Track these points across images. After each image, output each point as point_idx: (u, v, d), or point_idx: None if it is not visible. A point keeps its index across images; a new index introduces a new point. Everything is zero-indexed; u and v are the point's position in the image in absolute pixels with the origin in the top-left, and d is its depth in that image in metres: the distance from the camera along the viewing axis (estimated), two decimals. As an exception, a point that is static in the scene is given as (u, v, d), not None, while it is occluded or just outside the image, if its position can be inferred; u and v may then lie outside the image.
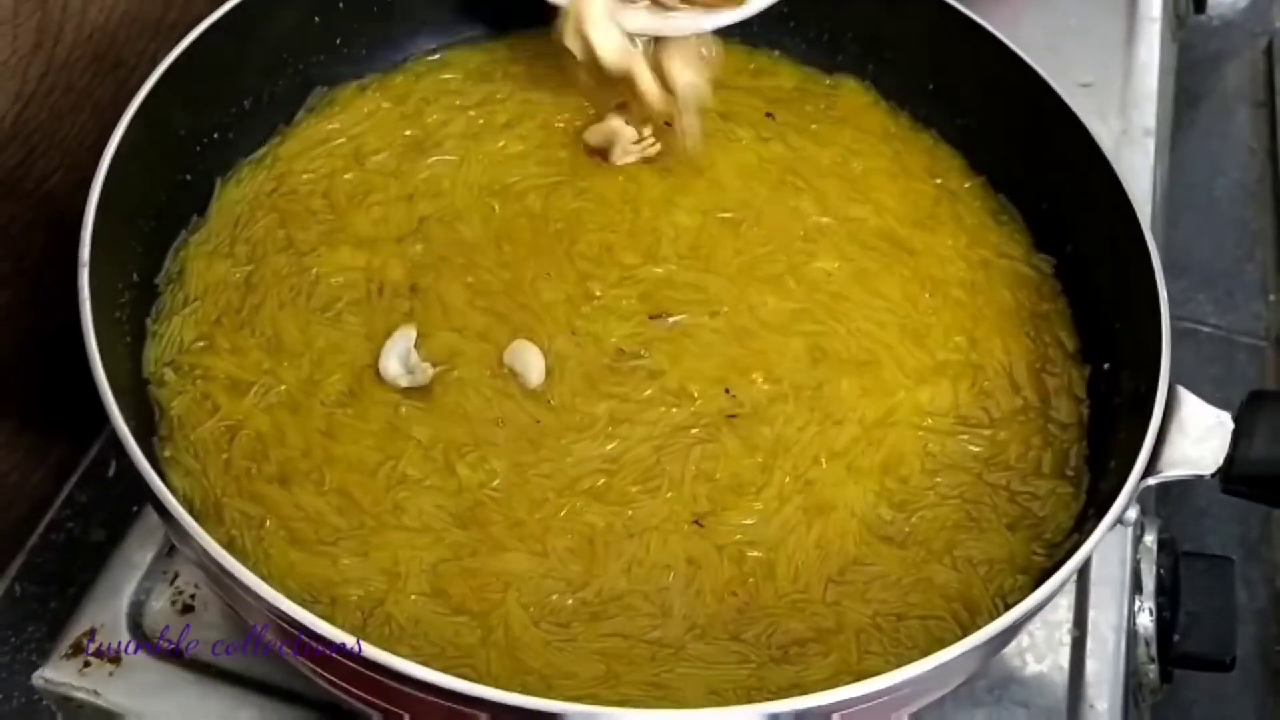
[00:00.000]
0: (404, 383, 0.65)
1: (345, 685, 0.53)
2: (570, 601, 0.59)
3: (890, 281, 0.74)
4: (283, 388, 0.65)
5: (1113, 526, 0.56)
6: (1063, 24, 1.04)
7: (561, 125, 0.80)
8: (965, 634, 0.54)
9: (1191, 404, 0.59)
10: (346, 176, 0.75)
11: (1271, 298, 1.16)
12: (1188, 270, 1.18)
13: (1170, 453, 0.58)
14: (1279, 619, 0.93)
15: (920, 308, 0.73)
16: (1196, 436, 0.58)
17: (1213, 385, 1.10)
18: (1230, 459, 0.57)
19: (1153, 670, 0.72)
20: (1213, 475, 0.57)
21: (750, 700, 0.53)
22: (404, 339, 0.66)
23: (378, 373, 0.66)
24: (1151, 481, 0.58)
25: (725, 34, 0.86)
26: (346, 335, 0.68)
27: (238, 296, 0.69)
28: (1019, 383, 0.70)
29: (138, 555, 0.72)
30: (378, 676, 0.50)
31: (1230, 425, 0.58)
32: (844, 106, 0.84)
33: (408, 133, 0.78)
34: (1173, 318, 1.13)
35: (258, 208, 0.73)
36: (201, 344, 0.67)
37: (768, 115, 0.83)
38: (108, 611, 0.70)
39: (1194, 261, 1.19)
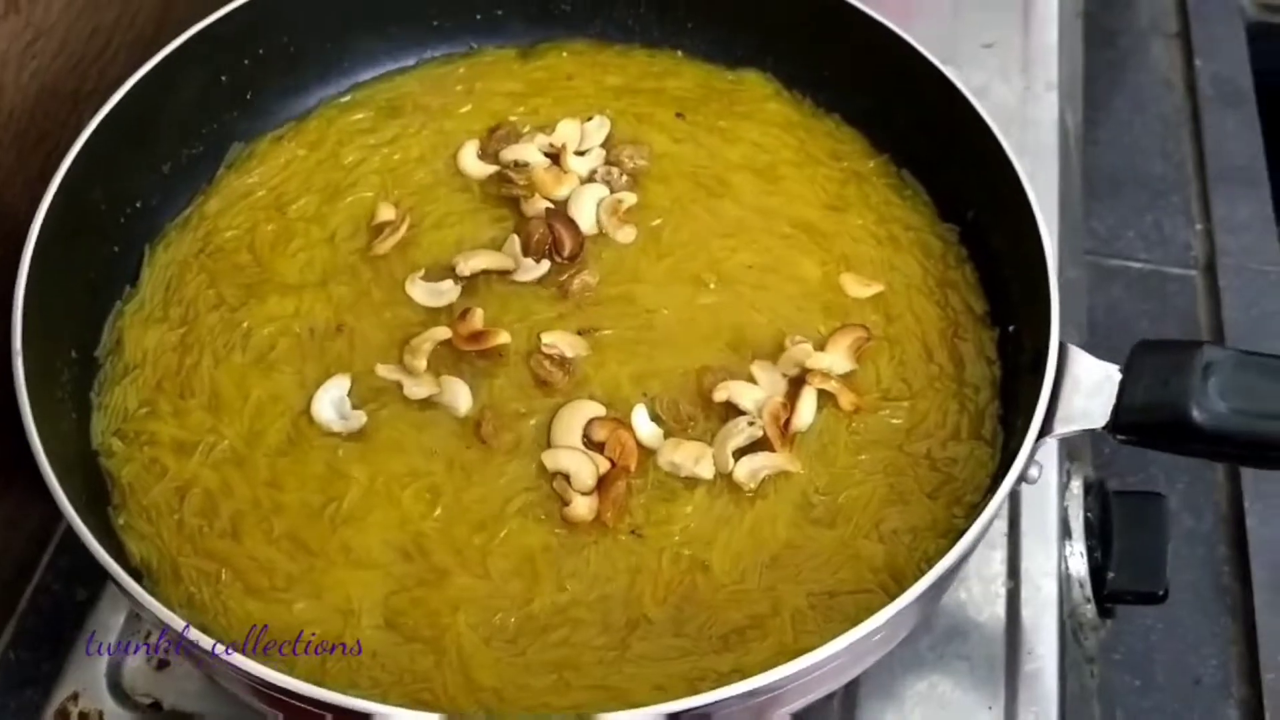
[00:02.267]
0: (338, 428, 0.68)
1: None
2: (514, 619, 0.62)
3: (808, 266, 0.77)
4: (225, 443, 0.68)
5: (1016, 485, 0.59)
6: (963, -10, 1.06)
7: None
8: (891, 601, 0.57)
9: (1082, 361, 0.62)
10: (269, 227, 0.78)
11: (1198, 227, 1.19)
12: (1114, 208, 1.21)
13: (1065, 409, 0.61)
14: (1224, 541, 0.96)
15: (838, 289, 0.76)
16: (1087, 391, 0.61)
17: (1147, 320, 1.13)
18: (1116, 409, 0.59)
19: (1089, 610, 0.75)
20: (1103, 428, 0.60)
21: (695, 691, 0.55)
22: (336, 387, 0.69)
23: (313, 418, 0.68)
24: (1050, 440, 0.61)
25: (625, 39, 0.89)
26: (280, 384, 0.70)
27: (175, 359, 0.72)
28: (932, 350, 0.73)
29: (111, 618, 0.75)
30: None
31: (1118, 378, 0.61)
32: (748, 100, 0.86)
33: (325, 177, 0.81)
34: (1102, 256, 1.17)
35: (187, 269, 0.76)
36: (145, 410, 0.69)
37: (678, 116, 0.85)
38: (88, 674, 0.73)
39: (1120, 199, 1.21)
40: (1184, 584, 0.94)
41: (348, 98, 0.86)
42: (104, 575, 0.77)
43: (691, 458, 0.67)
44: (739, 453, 0.67)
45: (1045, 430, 0.60)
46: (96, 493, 0.66)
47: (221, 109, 0.81)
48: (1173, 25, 1.37)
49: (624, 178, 0.81)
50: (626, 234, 0.78)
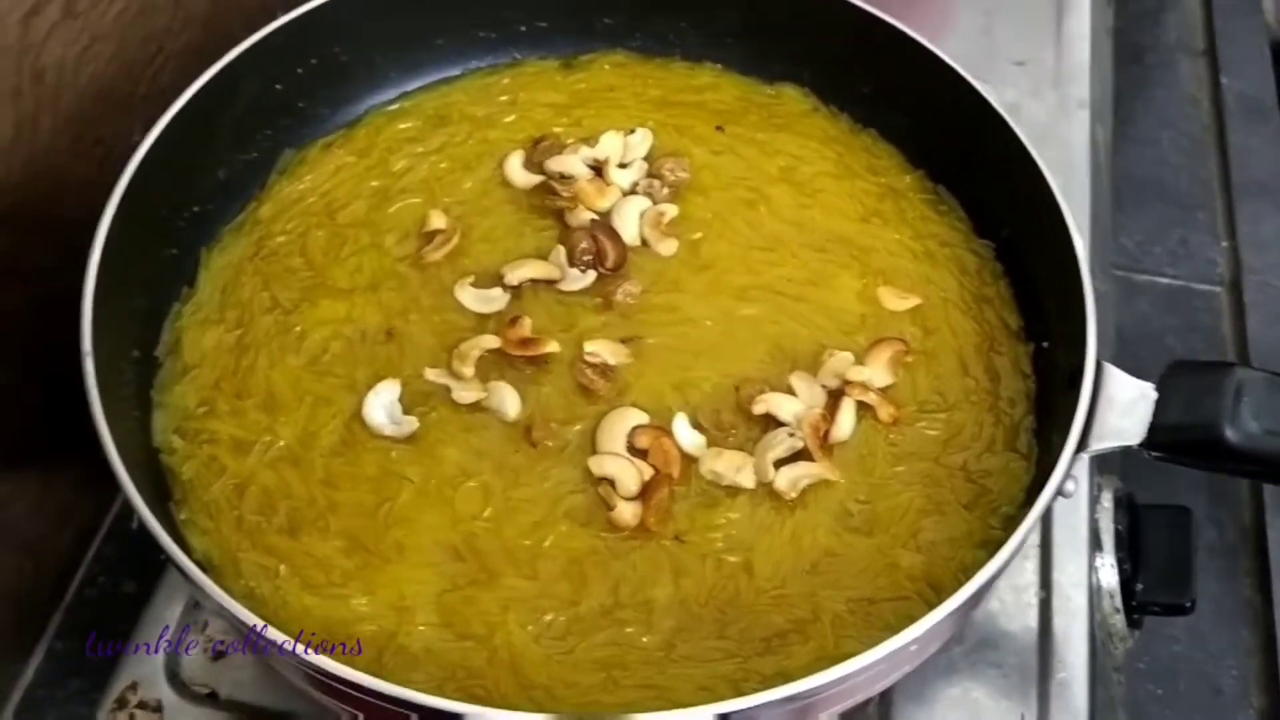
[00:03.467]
0: (389, 432, 0.70)
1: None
2: (563, 619, 0.64)
3: (845, 279, 0.79)
4: (282, 443, 0.70)
5: (1052, 500, 0.61)
6: (996, 5, 1.08)
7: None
8: (931, 610, 0.58)
9: (1118, 378, 0.64)
10: (320, 233, 0.80)
11: (1224, 244, 1.20)
12: (1141, 224, 1.22)
13: (1100, 427, 0.63)
14: (1246, 554, 0.98)
15: (875, 302, 0.78)
16: (1122, 409, 0.63)
17: (1174, 336, 1.14)
18: (1151, 428, 0.61)
19: (1119, 621, 0.76)
20: (1138, 445, 0.62)
21: (740, 693, 0.57)
22: (387, 392, 0.71)
23: (365, 422, 0.70)
24: (1085, 455, 0.62)
25: (664, 52, 0.91)
26: (332, 387, 0.72)
27: (232, 360, 0.74)
28: (968, 363, 0.75)
29: (168, 610, 0.77)
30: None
31: (1153, 396, 0.62)
32: (786, 114, 0.88)
33: (374, 183, 0.83)
34: (1129, 271, 1.18)
35: (241, 273, 0.78)
36: (204, 409, 0.71)
37: (717, 129, 0.87)
38: (146, 665, 0.75)
39: (1147, 215, 1.23)
40: (1206, 596, 0.96)
41: (395, 106, 0.88)
42: (156, 569, 0.81)
43: (733, 467, 0.69)
44: (779, 462, 0.69)
45: (1082, 446, 0.62)
46: (158, 489, 0.68)
47: (275, 116, 0.83)
48: (1199, 43, 1.38)
49: (665, 190, 0.82)
50: (668, 246, 0.79)
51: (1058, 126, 1.00)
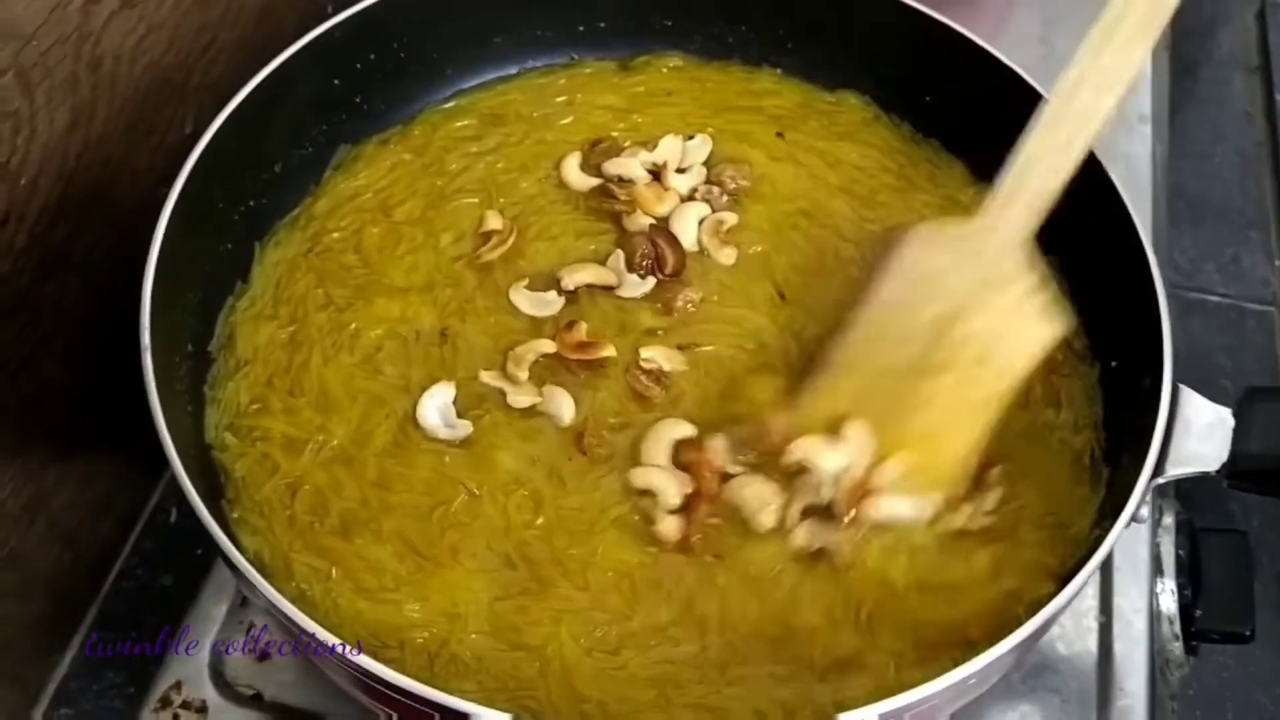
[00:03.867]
0: (443, 435, 0.69)
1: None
2: (615, 633, 0.63)
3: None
4: (335, 442, 0.69)
5: (1127, 527, 0.59)
6: (1053, 15, 1.06)
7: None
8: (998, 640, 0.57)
9: (1194, 402, 0.62)
10: (375, 230, 0.79)
11: (1277, 263, 1.18)
12: (1194, 241, 1.20)
13: (1177, 452, 0.61)
14: (1299, 581, 0.96)
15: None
16: (1200, 434, 0.61)
17: (1225, 355, 1.13)
18: (1233, 455, 0.60)
19: (1177, 648, 0.75)
20: (1217, 472, 0.60)
21: (794, 718, 0.56)
22: (442, 394, 0.70)
23: (418, 423, 0.69)
24: (1161, 481, 0.61)
25: (724, 55, 0.90)
26: (386, 387, 0.72)
27: (285, 356, 0.73)
28: (1031, 386, 0.73)
29: (213, 609, 0.76)
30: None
31: (1231, 422, 0.61)
32: (847, 122, 0.87)
33: (430, 182, 0.82)
34: (1181, 289, 1.16)
35: (296, 268, 0.77)
36: (256, 406, 0.71)
37: (778, 135, 0.86)
38: (190, 665, 0.74)
39: (1200, 232, 1.21)
40: (1258, 623, 0.94)
41: (451, 104, 0.87)
42: (193, 562, 0.80)
43: (757, 500, 0.65)
44: (809, 509, 0.65)
45: (1158, 472, 0.61)
46: (210, 487, 0.67)
47: (332, 112, 0.82)
48: (1254, 59, 1.36)
49: (725, 197, 0.81)
50: (728, 255, 0.78)
51: (1118, 141, 0.98)
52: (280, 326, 0.74)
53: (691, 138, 0.84)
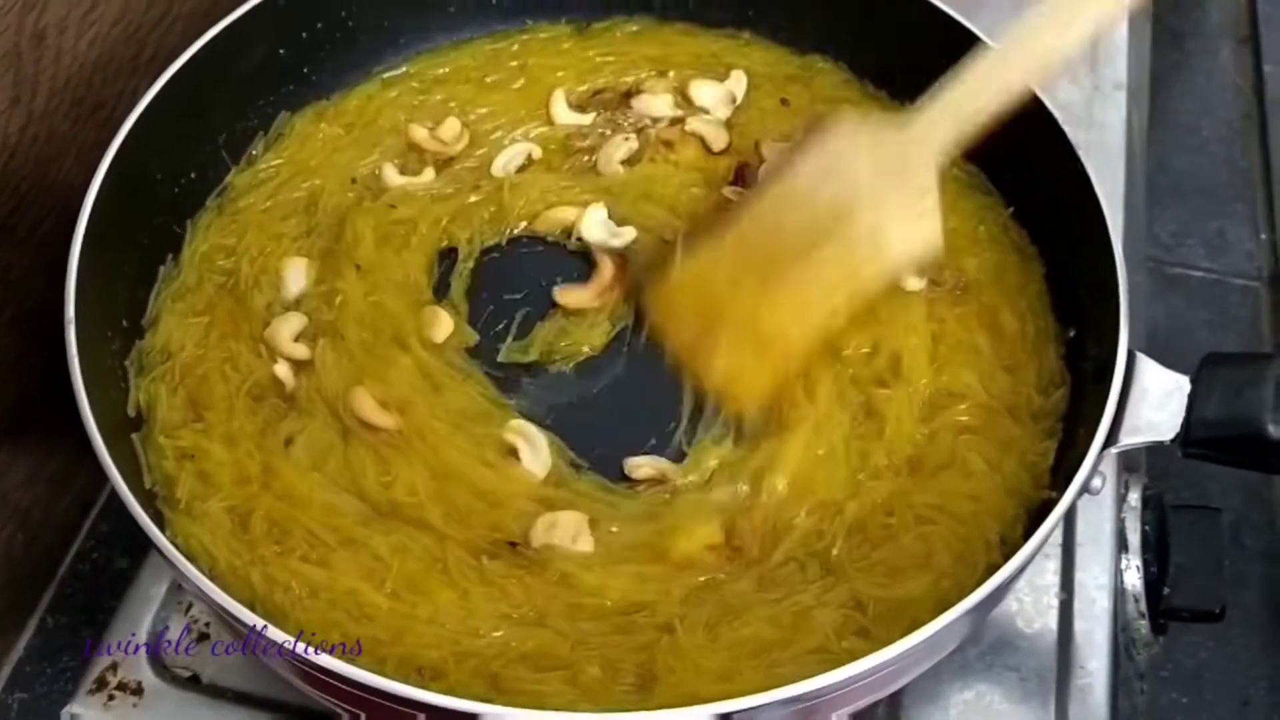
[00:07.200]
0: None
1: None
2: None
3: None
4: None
5: (1078, 497, 0.57)
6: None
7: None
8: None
9: (1151, 370, 0.60)
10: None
11: (1263, 236, 1.16)
12: (1178, 214, 1.18)
13: (1132, 420, 0.59)
14: (1277, 557, 0.94)
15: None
16: (1156, 403, 0.59)
17: (1208, 330, 1.11)
18: (1186, 423, 0.58)
19: (1144, 626, 0.73)
20: (1172, 440, 0.58)
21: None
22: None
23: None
24: (1114, 450, 0.59)
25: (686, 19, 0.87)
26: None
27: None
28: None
29: (153, 589, 0.75)
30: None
31: (1188, 389, 0.59)
32: (819, 86, 0.84)
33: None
34: (1164, 263, 1.14)
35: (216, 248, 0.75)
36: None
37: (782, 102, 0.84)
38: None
39: (1184, 205, 1.19)
40: (1236, 602, 0.92)
41: (401, 70, 0.84)
42: (147, 546, 0.78)
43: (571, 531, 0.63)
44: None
45: (1110, 441, 0.59)
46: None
47: (278, 82, 0.80)
48: (1242, 29, 1.34)
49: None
50: None
51: (1093, 109, 0.96)
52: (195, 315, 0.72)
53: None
